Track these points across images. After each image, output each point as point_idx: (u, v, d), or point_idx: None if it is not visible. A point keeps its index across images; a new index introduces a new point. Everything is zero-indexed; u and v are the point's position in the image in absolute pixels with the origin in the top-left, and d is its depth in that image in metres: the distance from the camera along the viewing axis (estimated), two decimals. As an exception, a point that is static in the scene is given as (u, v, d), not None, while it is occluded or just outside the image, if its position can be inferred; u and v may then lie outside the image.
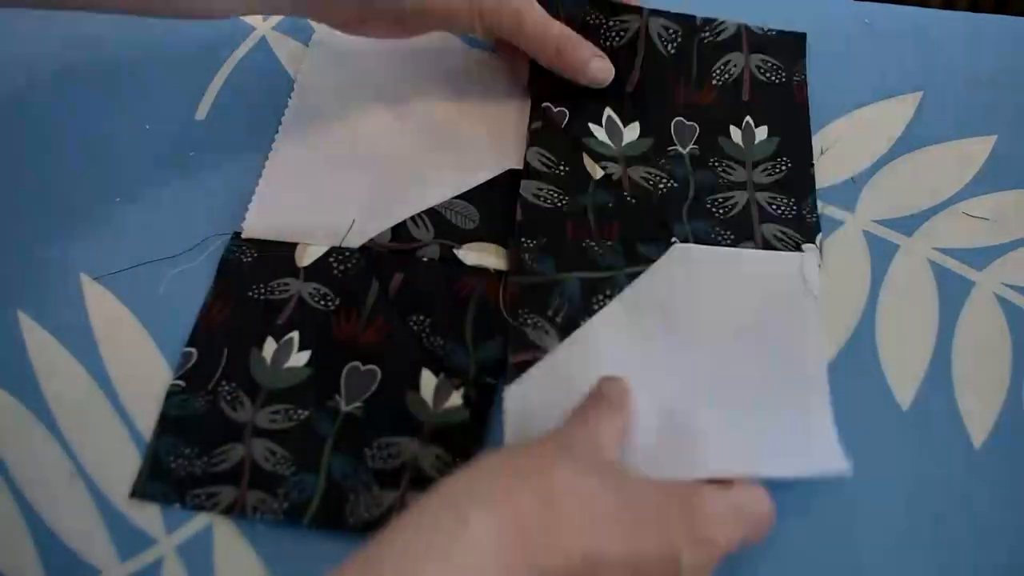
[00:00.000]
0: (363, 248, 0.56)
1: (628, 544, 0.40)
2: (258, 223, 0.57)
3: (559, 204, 0.55)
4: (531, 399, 0.49)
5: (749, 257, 0.54)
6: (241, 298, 0.54)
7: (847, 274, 0.54)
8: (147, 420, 0.51)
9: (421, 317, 0.53)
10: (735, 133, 0.59)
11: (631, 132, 0.59)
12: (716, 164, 0.57)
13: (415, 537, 0.38)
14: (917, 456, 0.49)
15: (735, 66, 0.61)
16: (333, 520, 0.48)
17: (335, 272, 0.55)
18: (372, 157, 0.59)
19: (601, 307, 0.52)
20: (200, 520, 0.49)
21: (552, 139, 0.58)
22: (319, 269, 0.55)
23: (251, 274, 0.55)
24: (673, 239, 0.54)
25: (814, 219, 0.55)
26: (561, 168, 0.57)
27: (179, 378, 0.52)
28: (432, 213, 0.56)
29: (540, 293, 0.53)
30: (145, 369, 0.53)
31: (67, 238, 0.57)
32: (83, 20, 0.65)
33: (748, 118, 0.59)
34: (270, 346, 0.53)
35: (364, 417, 0.51)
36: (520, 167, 0.58)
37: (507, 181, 0.58)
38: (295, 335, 0.53)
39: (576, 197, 0.56)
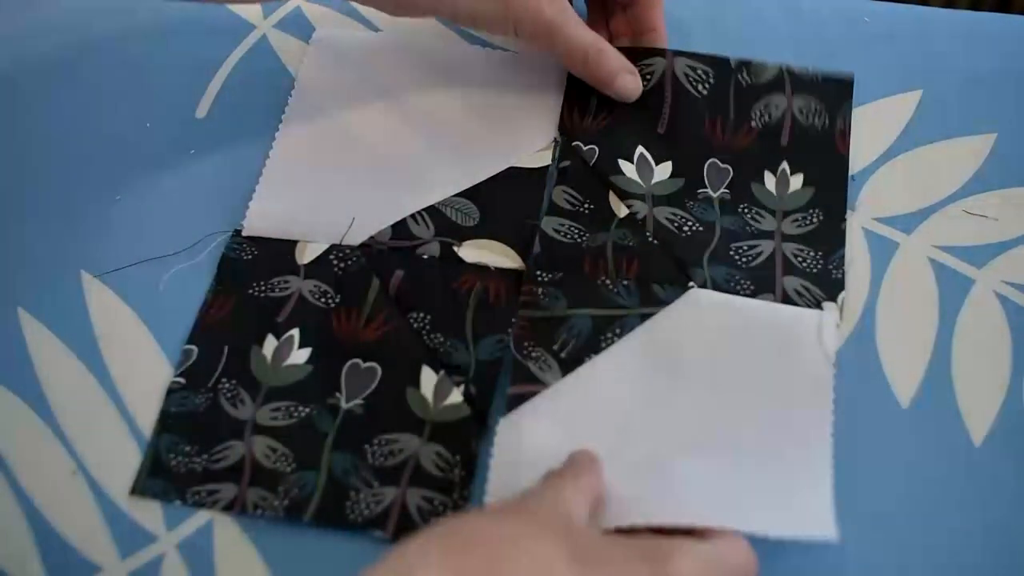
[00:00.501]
0: (363, 246, 0.56)
1: None
2: (258, 221, 0.57)
3: (579, 240, 0.55)
4: (524, 432, 0.49)
5: (766, 310, 0.52)
6: (241, 296, 0.54)
7: (847, 272, 0.54)
8: (147, 417, 0.51)
9: (421, 314, 0.53)
10: (769, 180, 0.57)
11: (663, 171, 0.57)
12: (746, 211, 0.56)
13: None
14: (917, 455, 0.49)
15: (776, 107, 0.59)
16: (334, 517, 0.48)
17: (335, 269, 0.55)
18: (372, 155, 0.59)
19: (609, 345, 0.52)
20: (201, 517, 0.49)
21: (580, 177, 0.57)
22: (319, 267, 0.55)
23: (251, 272, 0.55)
24: (691, 284, 0.53)
25: (839, 275, 0.53)
26: (586, 206, 0.56)
27: (179, 375, 0.52)
28: (432, 211, 0.56)
29: (548, 328, 0.52)
30: (145, 366, 0.53)
31: (68, 236, 0.57)
32: (83, 19, 0.65)
33: (785, 164, 0.57)
34: (270, 343, 0.53)
35: (364, 414, 0.51)
36: (521, 165, 0.58)
37: (508, 178, 0.58)
38: (295, 332, 0.53)
39: (597, 234, 0.55)
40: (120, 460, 0.50)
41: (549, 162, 0.58)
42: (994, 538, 0.47)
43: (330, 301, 0.54)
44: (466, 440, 0.50)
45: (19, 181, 0.60)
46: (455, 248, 0.55)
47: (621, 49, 0.59)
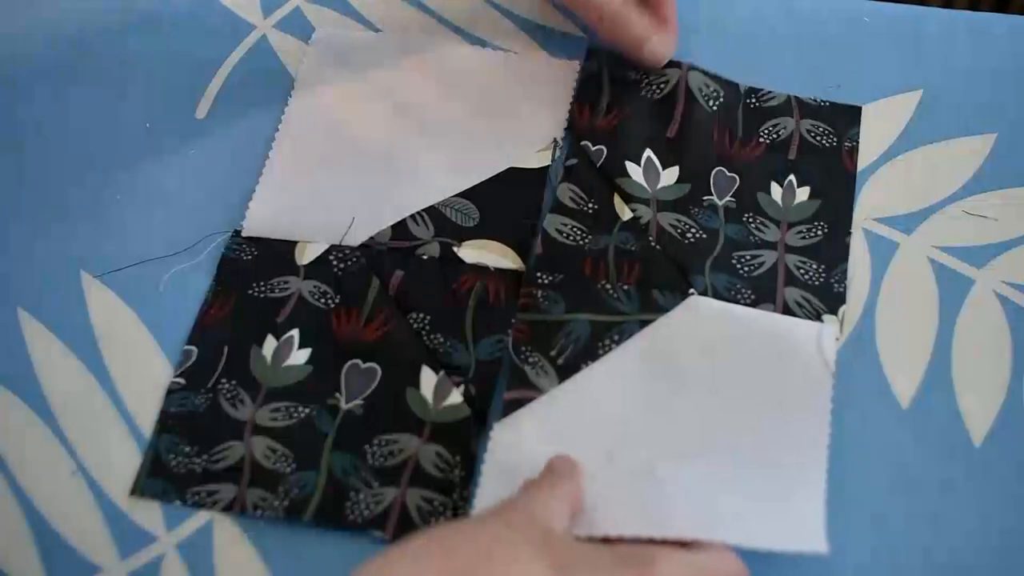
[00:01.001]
0: (363, 246, 0.56)
1: None
2: (258, 221, 0.57)
3: (581, 242, 0.55)
4: (518, 438, 0.49)
5: (766, 320, 0.52)
6: (241, 296, 0.54)
7: (848, 286, 0.54)
8: (147, 418, 0.51)
9: (421, 315, 0.53)
10: (775, 191, 0.57)
11: (669, 176, 0.57)
12: (750, 220, 0.56)
13: None
14: (917, 456, 0.49)
15: (784, 128, 0.59)
16: (334, 517, 0.48)
17: (335, 270, 0.55)
18: (372, 155, 0.59)
19: (607, 352, 0.51)
20: (200, 517, 0.49)
21: (586, 177, 0.57)
22: (319, 267, 0.55)
23: (251, 272, 0.55)
24: (691, 291, 0.53)
25: (841, 289, 0.53)
26: (590, 206, 0.56)
27: (179, 376, 0.52)
28: (432, 211, 0.56)
29: (546, 332, 0.52)
30: (145, 367, 0.53)
31: (68, 236, 0.57)
32: (83, 19, 0.65)
33: (791, 177, 0.57)
34: (270, 344, 0.53)
35: (364, 414, 0.51)
36: (520, 166, 0.58)
37: (508, 179, 0.58)
38: (295, 333, 0.53)
39: (599, 236, 0.55)
40: (120, 460, 0.50)
41: (549, 162, 0.58)
42: (994, 538, 0.47)
43: (330, 301, 0.54)
44: (466, 440, 0.50)
45: (19, 181, 0.60)
46: (455, 248, 0.55)
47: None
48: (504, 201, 0.57)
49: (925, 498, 0.48)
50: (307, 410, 0.51)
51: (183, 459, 0.50)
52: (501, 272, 0.54)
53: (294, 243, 0.56)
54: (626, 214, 0.56)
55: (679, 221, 0.55)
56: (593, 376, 0.51)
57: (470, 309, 0.53)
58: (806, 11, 0.63)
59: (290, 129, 0.60)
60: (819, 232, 0.55)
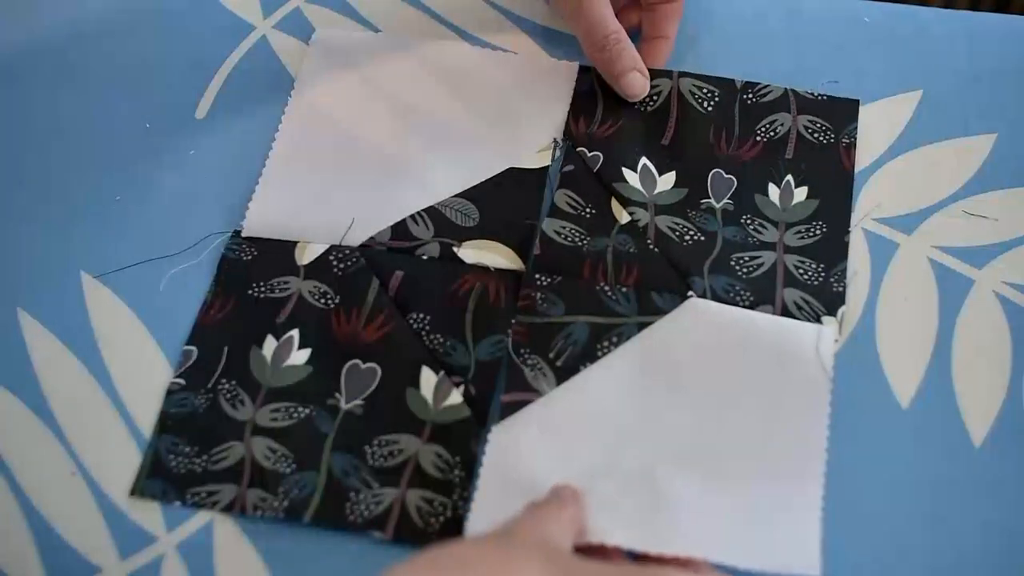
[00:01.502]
0: (363, 246, 0.56)
1: None
2: (258, 221, 0.57)
3: (579, 243, 0.55)
4: (516, 441, 0.49)
5: (764, 322, 0.52)
6: (241, 296, 0.54)
7: (848, 285, 0.54)
8: (147, 418, 0.51)
9: (421, 315, 0.53)
10: (773, 191, 0.57)
11: (666, 181, 0.57)
12: (748, 222, 0.56)
13: None
14: (917, 456, 0.49)
15: (781, 125, 0.59)
16: (333, 518, 0.48)
17: (335, 270, 0.55)
18: (372, 156, 0.59)
19: (605, 354, 0.51)
20: (201, 518, 0.49)
21: (583, 182, 0.57)
22: (319, 267, 0.55)
23: (251, 272, 0.55)
24: (690, 293, 0.53)
25: (840, 289, 0.53)
26: (587, 210, 0.56)
27: (179, 376, 0.52)
28: (432, 211, 0.56)
29: (545, 334, 0.52)
30: (145, 367, 0.53)
31: (67, 237, 0.57)
32: (83, 19, 0.65)
33: (789, 177, 0.57)
34: (270, 344, 0.53)
35: (364, 415, 0.51)
36: (520, 166, 0.58)
37: (507, 179, 0.58)
38: (295, 333, 0.53)
39: (598, 239, 0.55)
40: (120, 461, 0.50)
41: (548, 163, 0.58)
42: (994, 538, 0.47)
43: (330, 302, 0.54)
44: (466, 441, 0.50)
45: (19, 181, 0.60)
46: (455, 249, 0.55)
47: None
48: (504, 201, 0.57)
49: (925, 498, 0.48)
50: (307, 410, 0.51)
51: (183, 459, 0.50)
52: (501, 272, 0.54)
53: (294, 243, 0.56)
54: (624, 217, 0.56)
55: (677, 224, 0.55)
56: (591, 379, 0.51)
57: (470, 309, 0.53)
58: (806, 11, 0.63)
59: (290, 129, 0.60)
60: (818, 231, 0.55)
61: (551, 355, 0.51)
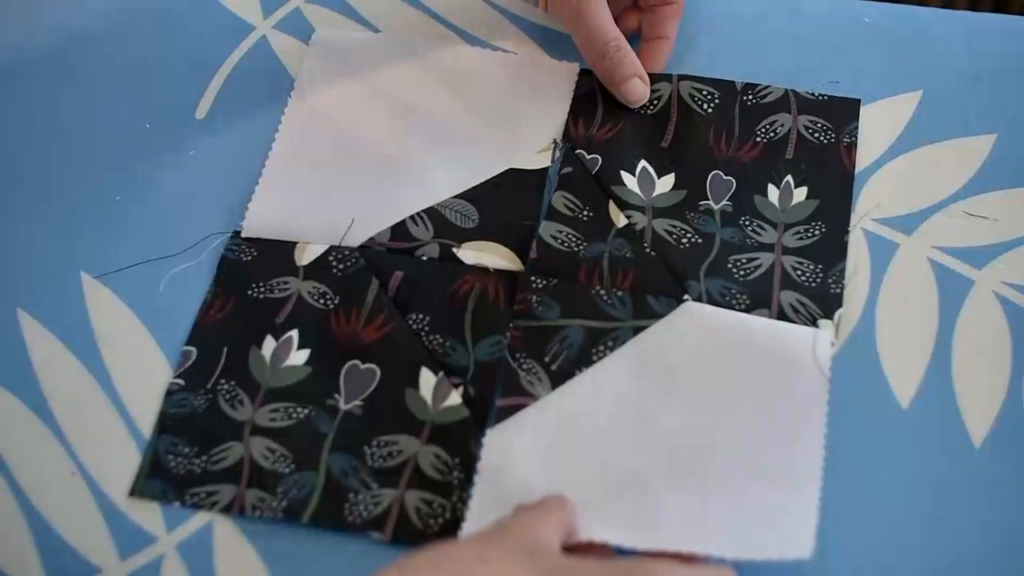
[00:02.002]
0: (362, 247, 0.56)
1: None
2: (258, 222, 0.57)
3: (576, 248, 0.55)
4: (511, 446, 0.49)
5: (760, 326, 0.52)
6: (241, 297, 0.54)
7: (846, 286, 0.54)
8: (147, 418, 0.51)
9: (420, 316, 0.53)
10: (772, 193, 0.56)
11: (665, 184, 0.57)
12: (747, 223, 0.56)
13: None
14: (917, 456, 0.49)
15: (781, 126, 0.59)
16: (332, 518, 0.48)
17: (334, 271, 0.55)
18: (372, 156, 0.59)
19: (601, 358, 0.51)
20: (200, 518, 0.49)
21: (581, 185, 0.57)
22: (318, 268, 0.55)
23: (251, 273, 0.55)
24: (686, 296, 0.53)
25: (838, 290, 0.53)
26: (585, 213, 0.56)
27: (178, 376, 0.52)
28: (432, 212, 0.56)
29: (540, 337, 0.52)
30: (145, 367, 0.53)
31: (67, 237, 0.57)
32: (83, 19, 0.65)
33: (788, 177, 0.57)
34: (269, 344, 0.53)
35: (363, 415, 0.51)
36: (520, 167, 0.58)
37: (507, 180, 0.58)
38: (294, 333, 0.53)
39: (594, 243, 0.55)
40: (120, 461, 0.50)
41: (548, 164, 0.58)
42: (994, 538, 0.47)
43: (329, 302, 0.54)
44: (465, 443, 0.50)
45: (19, 181, 0.60)
46: (454, 249, 0.55)
47: None
48: (504, 202, 0.57)
49: (925, 498, 0.48)
50: (306, 411, 0.51)
51: (182, 460, 0.50)
52: (500, 273, 0.54)
53: (294, 244, 0.56)
54: (621, 221, 0.56)
55: (674, 227, 0.55)
56: (586, 383, 0.51)
57: (469, 310, 0.53)
58: (806, 11, 0.63)
59: (290, 129, 0.60)
60: (817, 232, 0.55)
61: (546, 359, 0.51)
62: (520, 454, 0.49)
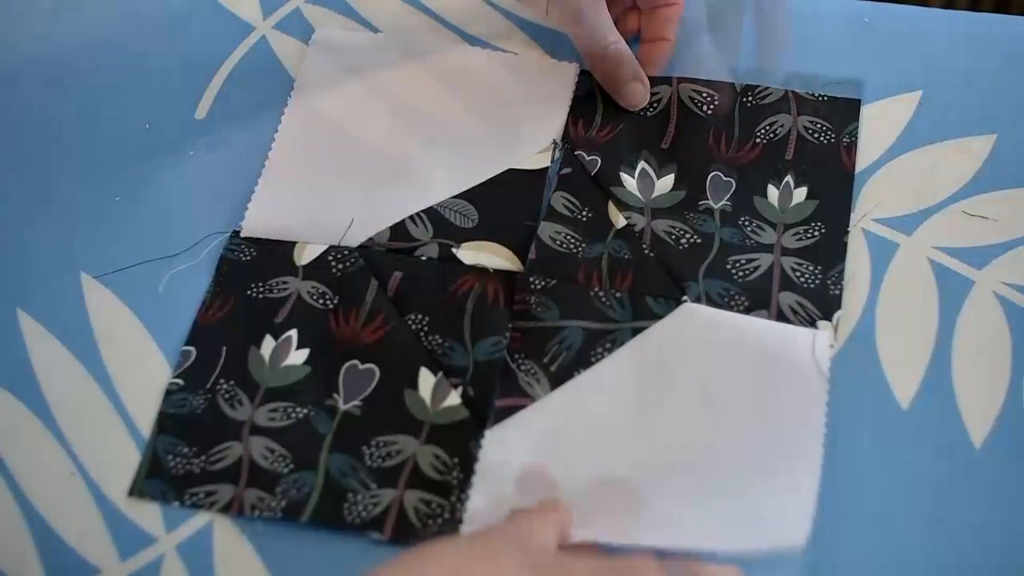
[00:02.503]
0: (362, 247, 0.56)
1: None
2: (257, 222, 0.57)
3: (575, 250, 0.55)
4: (510, 445, 0.49)
5: (759, 327, 0.52)
6: (240, 296, 0.54)
7: (847, 273, 0.54)
8: (147, 418, 0.51)
9: (420, 316, 0.53)
10: (772, 193, 0.56)
11: (664, 184, 0.57)
12: (747, 223, 0.56)
13: None
14: (917, 456, 0.49)
15: (781, 126, 0.59)
16: (331, 518, 0.48)
17: (334, 271, 0.55)
18: (371, 156, 0.59)
19: (600, 359, 0.51)
20: (200, 519, 0.49)
21: (580, 185, 0.57)
22: (318, 268, 0.55)
23: (250, 273, 0.55)
24: (684, 297, 0.53)
25: (837, 291, 0.53)
26: (584, 214, 0.56)
27: (178, 376, 0.52)
28: (431, 212, 0.56)
29: (539, 338, 0.52)
30: (145, 368, 0.53)
31: (67, 237, 0.57)
32: (83, 20, 0.65)
33: (788, 177, 0.57)
34: (268, 344, 0.53)
35: (362, 415, 0.51)
36: (520, 167, 0.58)
37: (507, 181, 0.58)
38: (293, 333, 0.53)
39: (593, 244, 0.55)
40: (119, 461, 0.50)
41: (548, 164, 0.58)
42: (994, 538, 0.47)
43: (328, 302, 0.54)
44: (464, 443, 0.50)
45: (19, 181, 0.60)
46: (453, 250, 0.55)
47: None
48: (503, 202, 0.57)
49: (925, 498, 0.48)
50: (305, 411, 0.51)
51: (181, 460, 0.50)
52: (500, 273, 0.54)
53: (293, 244, 0.56)
54: (620, 222, 0.56)
55: (673, 227, 0.55)
56: (585, 384, 0.51)
57: (468, 310, 0.53)
58: (806, 11, 0.63)
59: (289, 130, 0.60)
60: (816, 232, 0.55)
61: (545, 360, 0.51)
62: (518, 454, 0.49)
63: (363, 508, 0.48)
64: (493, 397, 0.51)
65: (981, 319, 0.53)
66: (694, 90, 0.60)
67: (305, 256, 0.55)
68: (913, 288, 0.54)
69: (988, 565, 0.47)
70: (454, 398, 0.51)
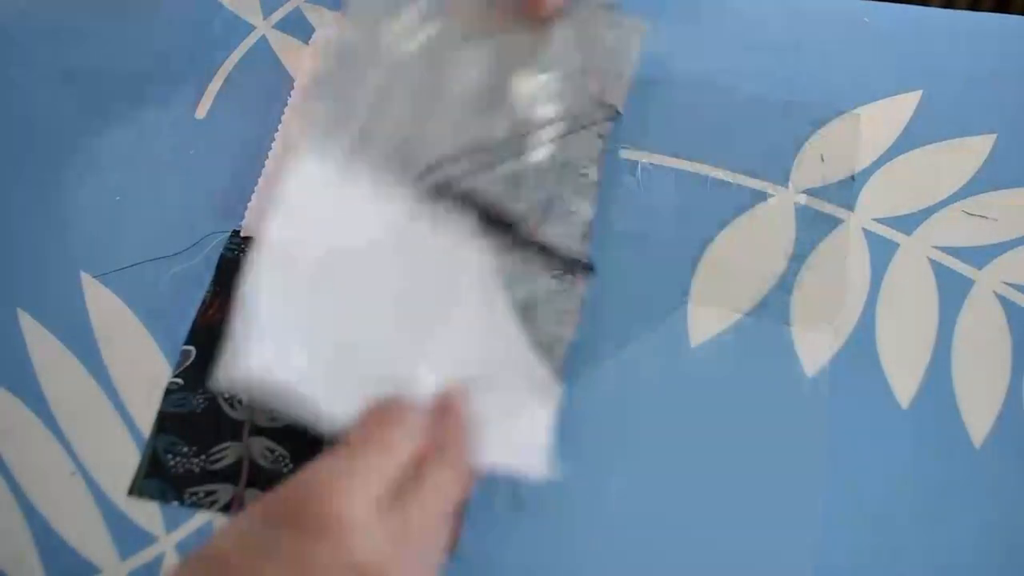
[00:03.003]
0: (362, 247, 0.56)
1: None
2: (257, 221, 0.57)
3: None
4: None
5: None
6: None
7: (847, 273, 0.54)
8: (147, 418, 0.51)
9: (420, 315, 0.53)
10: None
11: None
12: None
13: None
14: (917, 456, 0.49)
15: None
16: (332, 518, 0.48)
17: (334, 271, 0.55)
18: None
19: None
20: (200, 518, 0.49)
21: None
22: (318, 268, 0.55)
23: (250, 272, 0.55)
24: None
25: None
26: None
27: (177, 376, 0.52)
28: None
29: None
30: (145, 367, 0.53)
31: (67, 237, 0.57)
32: (83, 19, 0.65)
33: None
34: (269, 344, 0.53)
35: (363, 415, 0.51)
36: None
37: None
38: (294, 333, 0.53)
39: None
40: (119, 461, 0.50)
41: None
42: (994, 538, 0.47)
43: (329, 302, 0.54)
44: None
45: (19, 181, 0.60)
46: None
47: None
48: None
49: (925, 498, 0.48)
50: (306, 410, 0.51)
51: (181, 459, 0.50)
52: None
53: (293, 243, 0.56)
54: None
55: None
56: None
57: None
58: (806, 11, 0.63)
59: (290, 130, 0.60)
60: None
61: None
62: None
63: (363, 508, 0.48)
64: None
65: (981, 319, 0.53)
66: None
67: (305, 256, 0.55)
68: (913, 288, 0.54)
69: (988, 565, 0.47)
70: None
